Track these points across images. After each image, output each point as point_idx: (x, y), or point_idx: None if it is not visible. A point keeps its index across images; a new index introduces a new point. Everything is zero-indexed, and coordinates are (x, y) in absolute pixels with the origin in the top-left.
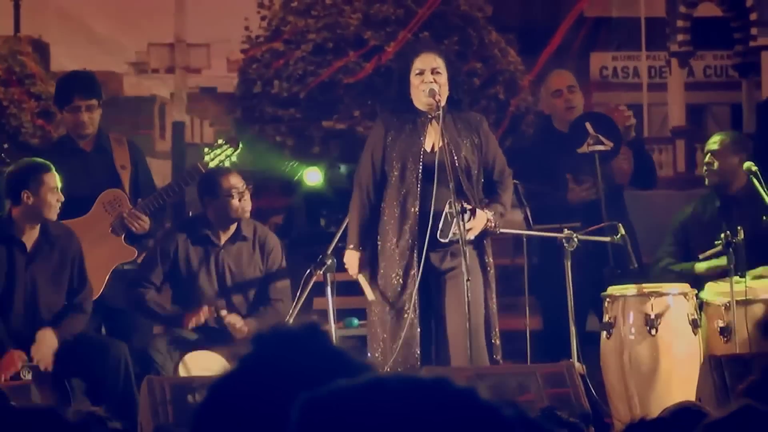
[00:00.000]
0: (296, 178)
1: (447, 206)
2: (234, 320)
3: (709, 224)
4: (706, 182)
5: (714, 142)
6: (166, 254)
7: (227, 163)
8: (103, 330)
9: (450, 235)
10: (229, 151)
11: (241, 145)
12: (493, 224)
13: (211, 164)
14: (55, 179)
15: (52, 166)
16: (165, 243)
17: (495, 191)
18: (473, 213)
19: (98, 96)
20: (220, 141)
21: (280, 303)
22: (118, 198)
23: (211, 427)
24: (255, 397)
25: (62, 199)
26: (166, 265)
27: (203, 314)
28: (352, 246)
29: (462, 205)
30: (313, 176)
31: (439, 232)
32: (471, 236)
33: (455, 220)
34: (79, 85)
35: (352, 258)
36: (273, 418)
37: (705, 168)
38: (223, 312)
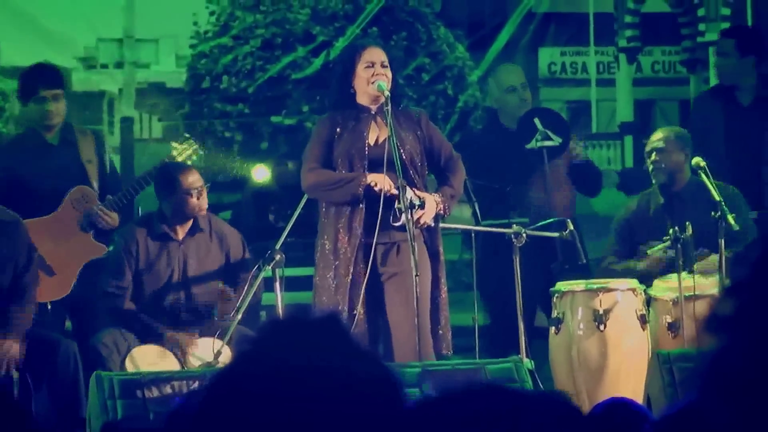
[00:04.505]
0: (244, 174)
1: (396, 202)
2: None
3: (654, 221)
4: (653, 180)
5: (659, 140)
6: (130, 254)
7: (194, 158)
8: (68, 324)
9: (401, 219)
10: (196, 146)
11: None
12: (442, 207)
13: (178, 159)
14: None
15: None
16: (127, 243)
17: (445, 176)
18: (422, 206)
19: (63, 86)
20: (186, 135)
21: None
22: (86, 195)
23: (217, 414)
24: (265, 384)
25: None
26: (133, 266)
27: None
28: (364, 178)
29: (410, 200)
30: (260, 173)
31: (391, 217)
32: (426, 220)
33: (405, 211)
34: (43, 76)
35: (379, 176)
36: (282, 406)
37: (651, 166)
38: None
